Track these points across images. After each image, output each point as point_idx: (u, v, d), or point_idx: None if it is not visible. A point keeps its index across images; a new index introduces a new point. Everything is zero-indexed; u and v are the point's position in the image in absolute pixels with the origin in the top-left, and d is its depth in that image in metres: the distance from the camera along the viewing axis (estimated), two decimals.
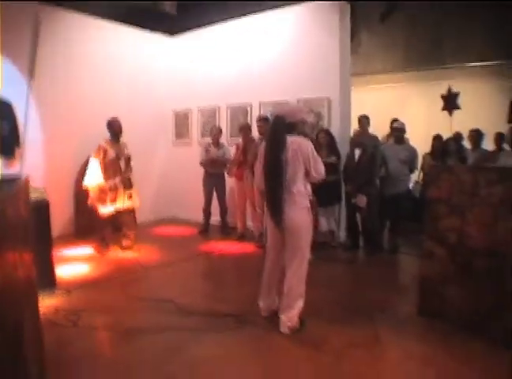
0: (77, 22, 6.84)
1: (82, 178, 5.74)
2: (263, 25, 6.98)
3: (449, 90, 4.02)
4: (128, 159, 5.84)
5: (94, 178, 5.54)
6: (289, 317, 3.40)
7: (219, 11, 7.10)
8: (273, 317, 3.58)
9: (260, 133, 6.00)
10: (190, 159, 7.60)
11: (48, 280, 4.25)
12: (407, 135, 6.97)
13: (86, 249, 5.88)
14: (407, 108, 8.26)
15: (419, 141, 6.77)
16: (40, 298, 3.91)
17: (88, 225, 6.19)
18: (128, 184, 5.76)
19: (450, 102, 3.94)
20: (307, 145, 3.34)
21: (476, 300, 3.52)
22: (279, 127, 3.39)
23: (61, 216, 6.44)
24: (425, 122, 7.21)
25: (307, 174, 3.39)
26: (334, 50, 6.21)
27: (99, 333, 3.44)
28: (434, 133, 6.66)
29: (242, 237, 6.65)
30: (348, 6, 6.33)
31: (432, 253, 3.87)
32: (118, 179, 5.65)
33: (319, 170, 3.38)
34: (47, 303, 3.91)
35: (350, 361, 3.02)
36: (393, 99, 8.48)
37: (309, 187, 3.49)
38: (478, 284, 3.53)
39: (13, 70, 5.84)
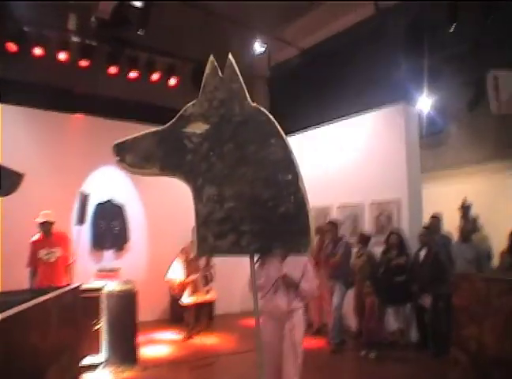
0: None
1: None
2: (338, 131, 8.08)
3: (463, 203, 4.48)
4: (208, 259, 7.07)
5: (175, 273, 6.97)
6: None
7: (302, 120, 8.42)
8: None
9: (329, 236, 6.89)
10: None
11: (131, 357, 5.51)
12: (491, 232, 7.12)
13: (174, 334, 7.13)
14: (499, 201, 8.24)
15: None
16: (121, 371, 5.20)
17: (181, 313, 7.50)
18: (206, 280, 7.02)
19: (464, 213, 4.38)
20: None
21: None
22: None
23: (159, 304, 7.91)
24: None
25: None
26: (401, 153, 6.93)
27: None
28: None
29: (318, 332, 7.26)
30: (413, 109, 7.09)
31: (457, 359, 4.21)
32: (197, 276, 6.95)
33: None
34: (124, 375, 5.15)
35: None
36: (483, 191, 8.57)
37: None
38: None
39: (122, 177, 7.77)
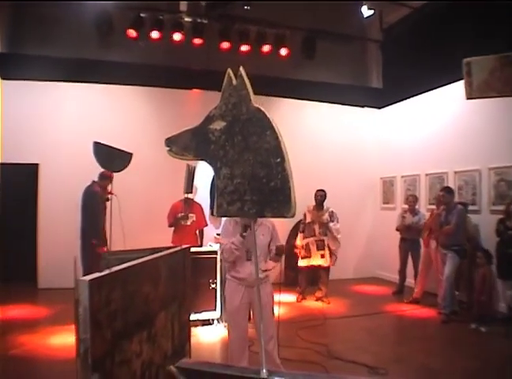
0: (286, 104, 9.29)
1: (292, 238, 7.92)
2: (452, 94, 7.83)
3: None
4: (324, 224, 7.49)
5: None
6: None
7: (417, 83, 8.32)
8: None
9: (443, 202, 6.88)
10: (394, 223, 8.71)
11: None
12: None
13: (287, 296, 7.81)
14: None
15: None
16: None
17: (294, 277, 8.14)
18: (320, 245, 7.47)
19: None
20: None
21: None
22: None
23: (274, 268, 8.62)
24: None
25: None
26: None
27: (253, 355, 5.01)
28: None
29: (416, 301, 7.47)
30: None
31: None
32: (311, 240, 7.46)
33: None
34: None
35: None
36: None
37: None
38: None
39: None
